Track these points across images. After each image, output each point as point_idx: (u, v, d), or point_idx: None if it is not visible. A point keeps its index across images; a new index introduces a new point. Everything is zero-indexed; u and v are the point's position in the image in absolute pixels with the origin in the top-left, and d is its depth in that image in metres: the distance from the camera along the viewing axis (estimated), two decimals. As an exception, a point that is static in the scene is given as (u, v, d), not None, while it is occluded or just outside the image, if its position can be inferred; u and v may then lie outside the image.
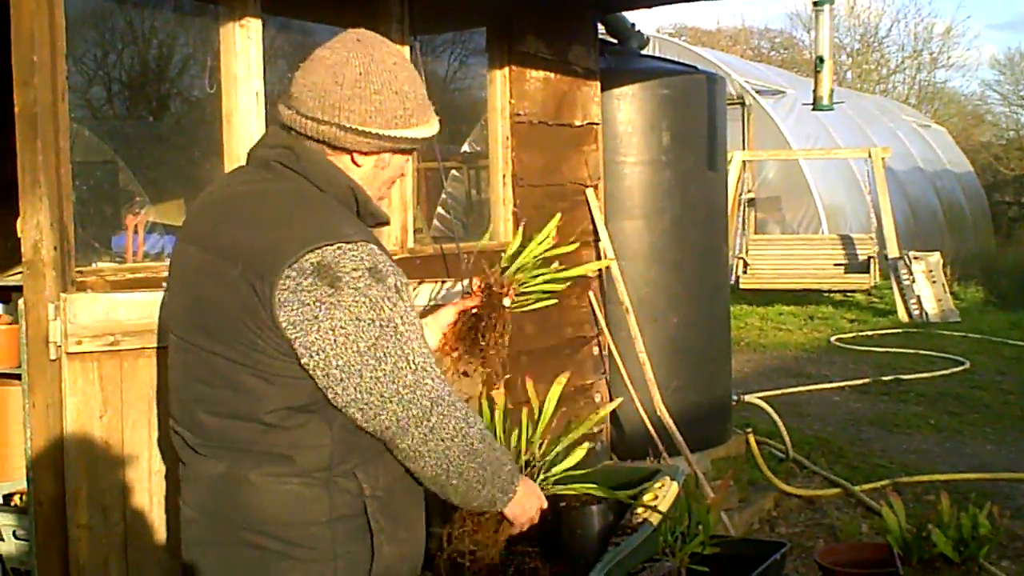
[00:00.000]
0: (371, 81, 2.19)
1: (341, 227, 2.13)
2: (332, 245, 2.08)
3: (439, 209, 6.58)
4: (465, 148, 6.98)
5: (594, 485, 2.66)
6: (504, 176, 5.43)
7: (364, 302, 2.06)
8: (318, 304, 2.04)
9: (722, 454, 6.50)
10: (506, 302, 2.82)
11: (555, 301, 3.14)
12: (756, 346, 12.84)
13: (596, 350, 5.97)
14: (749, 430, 6.93)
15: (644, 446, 5.55)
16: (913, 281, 14.68)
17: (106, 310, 3.14)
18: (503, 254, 3.26)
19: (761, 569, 3.31)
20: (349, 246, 2.09)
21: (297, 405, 2.11)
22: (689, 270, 6.27)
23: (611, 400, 5.86)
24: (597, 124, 6.03)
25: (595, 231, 5.92)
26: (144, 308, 3.17)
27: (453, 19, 5.64)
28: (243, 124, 3.86)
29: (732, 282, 15.22)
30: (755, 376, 10.69)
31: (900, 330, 13.89)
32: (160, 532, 3.21)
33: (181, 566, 2.30)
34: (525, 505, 2.41)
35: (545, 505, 2.50)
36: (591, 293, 5.94)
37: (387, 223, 2.36)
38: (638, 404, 5.77)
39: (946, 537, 3.02)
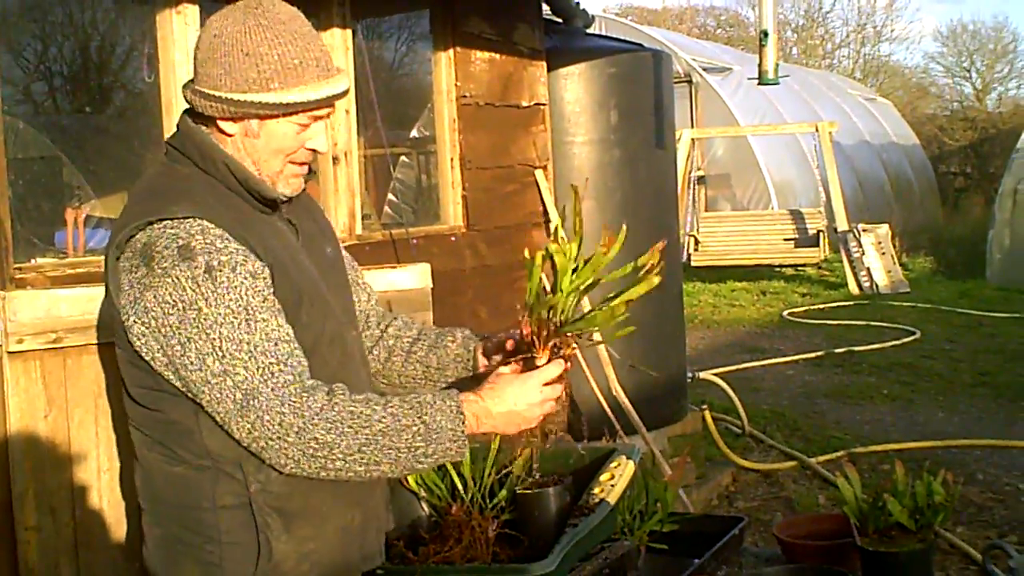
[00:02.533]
0: (223, 42, 2.03)
1: (174, 204, 2.01)
2: (158, 223, 1.99)
3: (389, 195, 6.53)
4: (414, 133, 6.93)
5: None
6: (452, 159, 5.40)
7: (168, 282, 1.94)
8: (137, 285, 1.97)
9: (679, 431, 6.52)
10: (538, 362, 2.25)
11: (632, 329, 2.42)
12: (709, 323, 12.90)
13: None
14: (705, 407, 6.96)
15: (600, 426, 5.54)
16: (863, 254, 14.82)
17: (47, 307, 3.07)
18: (545, 297, 2.42)
19: (720, 544, 3.31)
20: (172, 223, 1.98)
21: (157, 386, 2.04)
22: (640, 248, 6.25)
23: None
24: (544, 104, 6.00)
25: (545, 212, 5.90)
26: (87, 304, 3.10)
27: (396, 1, 5.59)
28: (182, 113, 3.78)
29: (684, 259, 15.28)
30: (709, 352, 10.74)
31: (851, 302, 14.02)
32: (113, 532, 3.15)
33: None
34: (512, 413, 2.13)
35: (551, 371, 2.19)
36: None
37: (274, 200, 2.14)
38: (593, 383, 5.76)
39: (901, 506, 3.03)
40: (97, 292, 3.14)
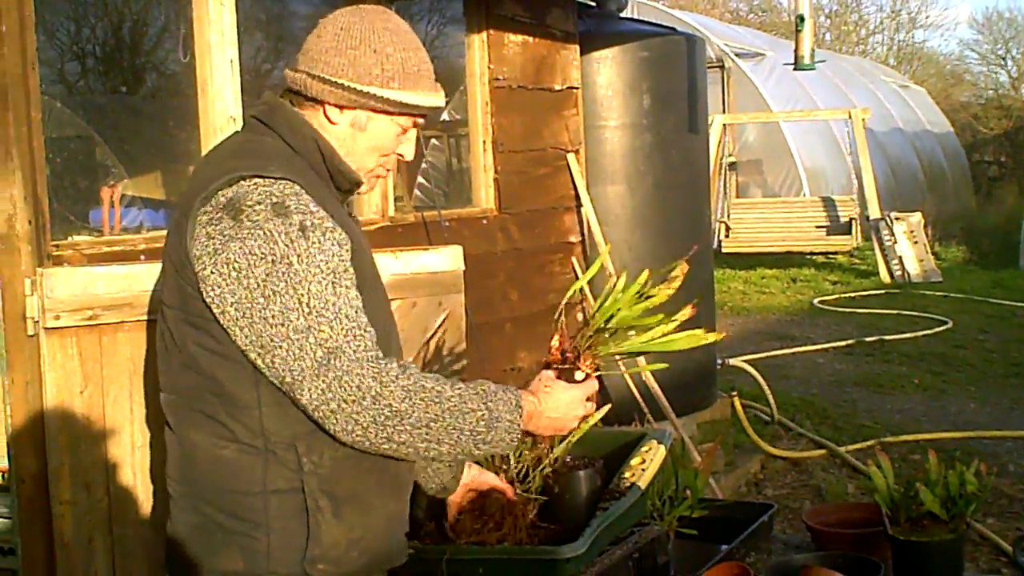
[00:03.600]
0: (351, 36, 2.12)
1: (268, 163, 2.03)
2: (248, 180, 2.00)
3: (420, 178, 6.54)
4: (445, 116, 6.93)
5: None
6: (484, 142, 5.39)
7: (259, 235, 1.93)
8: (220, 236, 1.95)
9: (708, 418, 6.51)
10: (578, 375, 2.32)
11: (667, 366, 2.56)
12: (739, 310, 12.86)
13: (580, 316, 5.95)
14: (734, 393, 6.94)
15: (630, 411, 5.55)
16: (895, 242, 14.71)
17: (84, 284, 3.10)
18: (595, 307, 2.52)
19: (749, 531, 3.31)
20: (264, 181, 1.99)
21: (218, 349, 2.01)
22: (671, 234, 6.25)
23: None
24: (577, 88, 5.99)
25: (577, 196, 5.89)
26: (122, 281, 3.13)
27: (430, -16, 5.59)
28: (218, 93, 3.80)
29: (714, 246, 15.22)
30: (739, 340, 10.70)
31: (882, 291, 13.93)
32: (145, 507, 3.19)
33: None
34: (556, 419, 2.23)
35: (590, 386, 2.29)
36: (574, 259, 5.91)
37: (360, 183, 2.21)
38: (623, 369, 5.75)
39: (934, 495, 3.02)
40: (133, 269, 3.17)
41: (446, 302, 4.22)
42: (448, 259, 4.31)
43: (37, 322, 3.02)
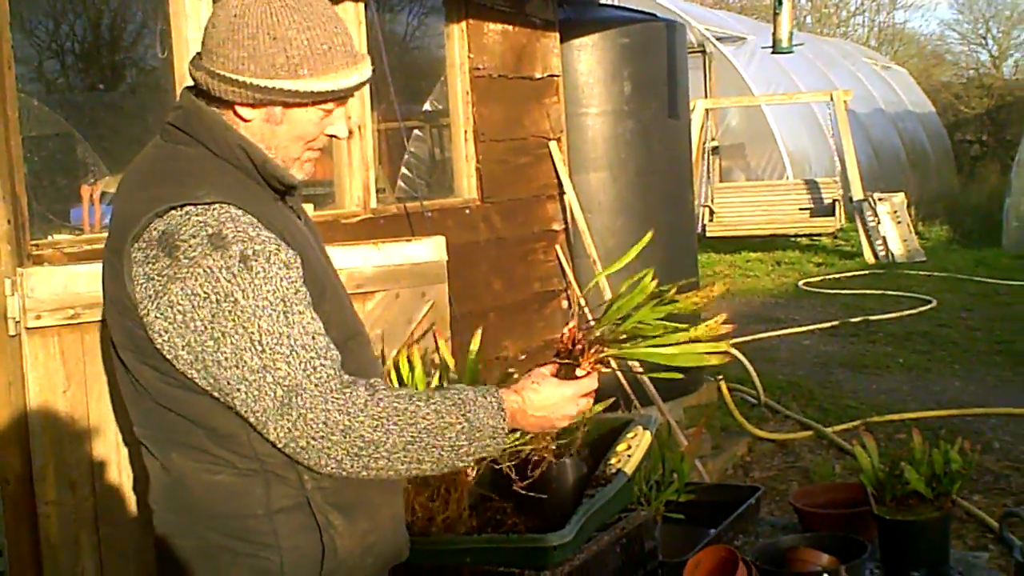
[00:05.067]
0: (246, 22, 1.90)
1: (196, 188, 1.87)
2: (180, 209, 1.85)
3: (403, 169, 6.52)
4: (427, 107, 6.91)
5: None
6: (466, 132, 5.38)
7: (198, 273, 1.80)
8: (159, 277, 1.82)
9: (694, 402, 6.52)
10: (579, 372, 2.20)
11: (680, 376, 2.36)
12: (724, 293, 12.81)
13: (565, 304, 5.95)
14: (720, 377, 6.95)
15: (616, 396, 5.54)
16: (878, 222, 14.74)
17: (64, 283, 3.08)
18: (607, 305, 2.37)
19: (737, 514, 3.32)
20: (197, 209, 1.84)
21: (186, 385, 1.89)
22: (655, 220, 6.25)
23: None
24: (557, 76, 5.98)
25: (559, 184, 5.88)
26: (103, 279, 3.10)
27: (408, -26, 5.57)
28: (196, 88, 3.78)
29: (699, 230, 15.23)
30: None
31: (867, 271, 13.97)
32: (131, 505, 3.18)
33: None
34: (543, 417, 2.10)
35: (588, 384, 2.16)
36: (558, 247, 5.91)
37: (294, 186, 2.04)
38: (638, 368, 5.76)
39: (919, 474, 3.03)
40: (113, 268, 3.15)
41: (429, 292, 4.22)
42: (431, 249, 4.30)
43: (18, 322, 3.01)
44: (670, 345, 2.31)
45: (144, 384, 1.95)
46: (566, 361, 2.23)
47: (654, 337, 2.30)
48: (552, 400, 2.11)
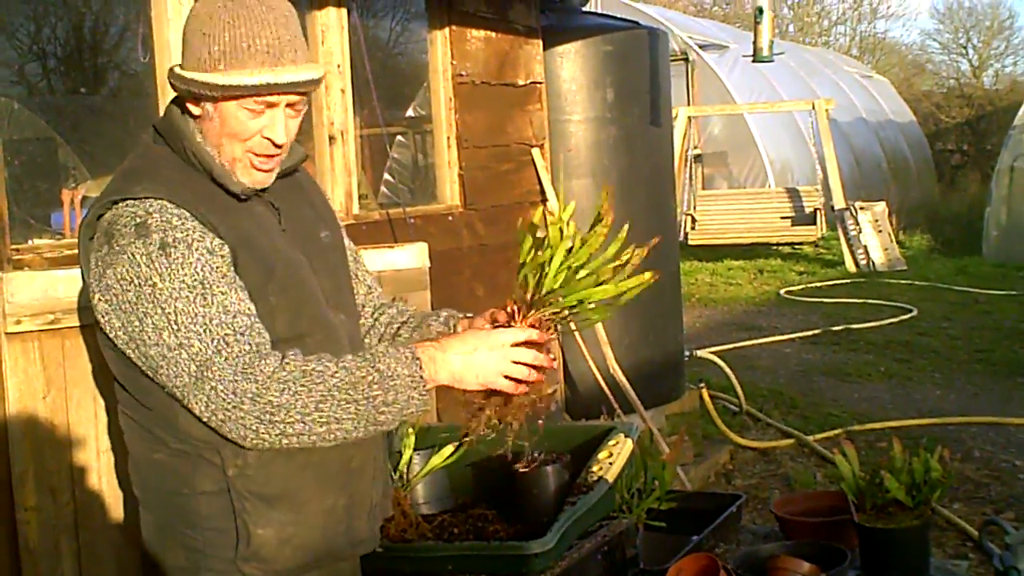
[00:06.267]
0: (190, 21, 2.08)
1: (137, 184, 2.05)
2: (121, 203, 2.03)
3: (385, 175, 6.52)
4: (410, 112, 6.91)
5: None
6: (448, 138, 5.39)
7: (124, 259, 1.98)
8: (100, 264, 2.02)
9: (676, 410, 6.53)
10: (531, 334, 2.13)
11: (609, 316, 2.33)
12: (707, 301, 12.91)
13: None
14: (702, 385, 6.97)
15: (598, 404, 5.55)
16: (860, 231, 14.82)
17: (45, 288, 3.06)
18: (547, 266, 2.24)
19: (718, 521, 3.33)
20: (133, 202, 2.02)
21: (132, 368, 2.06)
22: (637, 227, 6.25)
23: (564, 358, 5.87)
24: (540, 83, 5.99)
25: (542, 191, 5.89)
26: (84, 284, 3.10)
27: (391, -20, 5.57)
28: (179, 93, 3.77)
29: (681, 238, 15.28)
30: (706, 331, 10.76)
31: (848, 280, 14.03)
32: (112, 511, 3.16)
33: None
34: (470, 362, 2.06)
35: (518, 332, 2.12)
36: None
37: (237, 194, 2.11)
38: (591, 362, 5.77)
39: (899, 482, 3.04)
40: (94, 273, 3.14)
41: (412, 300, 4.19)
42: (413, 256, 4.30)
43: (-2, 327, 2.99)
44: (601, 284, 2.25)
45: (108, 363, 2.15)
46: (502, 325, 2.19)
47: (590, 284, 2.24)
48: (473, 342, 2.08)
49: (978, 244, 15.61)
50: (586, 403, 5.88)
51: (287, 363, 1.98)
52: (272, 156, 2.13)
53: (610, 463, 2.83)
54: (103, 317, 2.03)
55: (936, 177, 24.94)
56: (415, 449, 2.99)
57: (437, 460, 2.98)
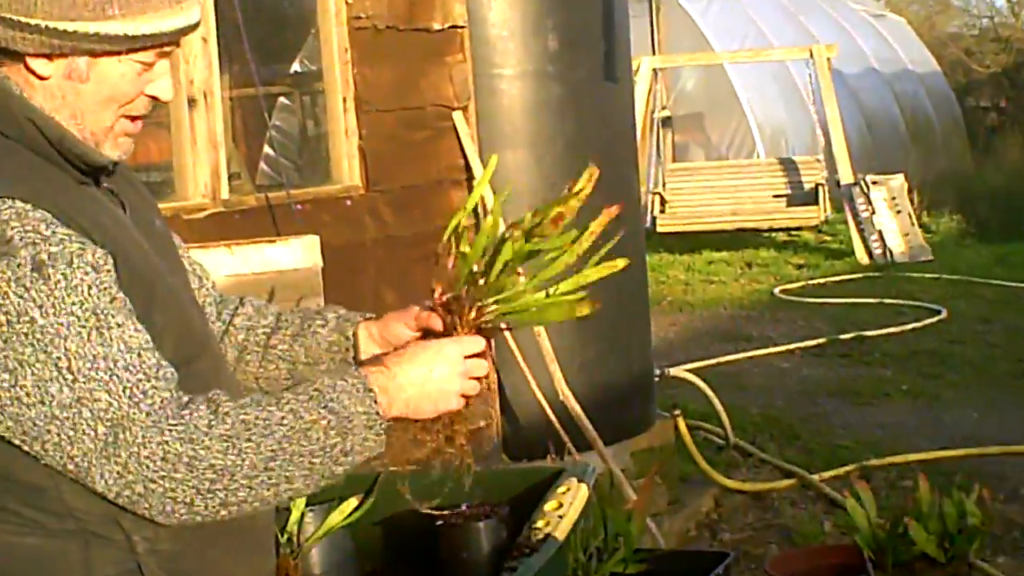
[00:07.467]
0: None
1: None
2: None
3: (264, 148, 6.48)
4: (295, 68, 6.87)
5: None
6: (345, 100, 5.36)
7: None
8: None
9: (645, 445, 6.55)
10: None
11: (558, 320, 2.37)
12: (682, 304, 12.98)
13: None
14: (677, 412, 6.99)
15: (544, 441, 5.56)
16: (872, 212, 14.96)
17: None
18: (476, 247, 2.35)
19: (700, 587, 3.34)
20: None
21: None
22: (589, 210, 6.27)
23: (500, 382, 5.86)
24: (463, 27, 5.98)
25: (467, 166, 5.88)
26: None
27: None
28: None
29: (647, 224, 15.35)
30: (682, 343, 10.81)
31: (859, 275, 14.17)
32: None
33: None
34: (426, 386, 2.07)
35: (471, 343, 2.14)
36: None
37: (106, 168, 2.05)
38: (534, 386, 5.76)
39: (927, 532, 3.08)
40: None
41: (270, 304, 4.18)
42: (301, 252, 4.27)
43: None
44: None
45: None
46: (440, 335, 2.19)
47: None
48: (426, 360, 2.09)
49: (1021, 227, 15.82)
50: (529, 440, 5.87)
51: (223, 411, 1.90)
52: (143, 118, 2.08)
53: (560, 516, 2.83)
54: None
55: (968, 142, 25.28)
56: (307, 504, 2.97)
57: (337, 517, 2.96)
